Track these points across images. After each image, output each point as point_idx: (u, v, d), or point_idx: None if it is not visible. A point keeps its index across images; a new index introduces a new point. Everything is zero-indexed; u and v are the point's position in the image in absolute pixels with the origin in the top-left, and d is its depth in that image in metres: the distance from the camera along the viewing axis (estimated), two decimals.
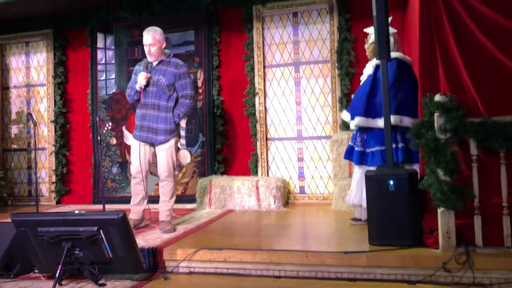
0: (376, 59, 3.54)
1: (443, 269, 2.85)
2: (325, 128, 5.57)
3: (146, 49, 4.12)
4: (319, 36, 5.61)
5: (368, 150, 3.83)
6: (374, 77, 3.78)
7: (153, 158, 4.26)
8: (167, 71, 4.12)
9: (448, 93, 3.04)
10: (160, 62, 4.14)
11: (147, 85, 4.07)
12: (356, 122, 3.80)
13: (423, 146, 3.01)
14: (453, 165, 2.90)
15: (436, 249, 3.02)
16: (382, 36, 3.38)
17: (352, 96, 4.02)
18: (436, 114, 2.99)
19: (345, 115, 4.14)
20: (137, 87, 4.07)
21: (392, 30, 3.77)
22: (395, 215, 3.20)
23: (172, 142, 4.15)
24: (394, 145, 3.60)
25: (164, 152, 4.13)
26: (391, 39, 3.77)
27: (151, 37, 4.07)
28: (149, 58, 4.14)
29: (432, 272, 2.88)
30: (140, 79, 4.04)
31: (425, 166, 3.07)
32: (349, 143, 4.04)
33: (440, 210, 2.97)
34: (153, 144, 4.17)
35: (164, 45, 4.17)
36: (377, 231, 3.27)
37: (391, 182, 3.23)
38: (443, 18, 3.15)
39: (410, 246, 3.14)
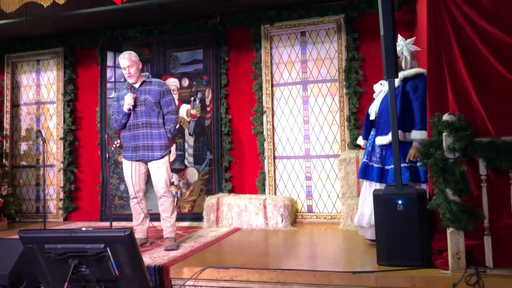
0: (384, 78, 3.55)
1: None
2: (333, 147, 5.56)
3: (125, 72, 4.18)
4: (327, 55, 5.64)
5: (388, 167, 3.73)
6: (402, 91, 3.70)
7: (146, 177, 4.29)
8: (151, 90, 4.19)
9: (457, 113, 3.03)
10: (142, 83, 4.22)
11: (134, 106, 4.12)
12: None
13: (432, 166, 2.99)
14: (463, 185, 2.88)
15: (446, 270, 2.98)
16: (390, 55, 3.39)
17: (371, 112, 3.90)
18: (444, 134, 2.98)
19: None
20: (125, 108, 4.11)
21: (415, 48, 3.80)
22: (404, 235, 3.17)
23: (166, 158, 4.22)
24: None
25: (160, 169, 4.17)
26: (415, 55, 3.80)
27: (127, 59, 4.16)
28: (130, 80, 4.20)
29: None
30: (128, 99, 4.09)
31: (434, 186, 3.05)
32: (363, 160, 3.94)
33: (449, 231, 2.93)
34: (146, 163, 4.20)
35: (140, 66, 4.25)
36: (386, 251, 3.23)
37: (400, 202, 3.21)
38: (451, 38, 3.16)
39: (419, 267, 3.10)
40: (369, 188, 3.91)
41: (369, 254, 3.57)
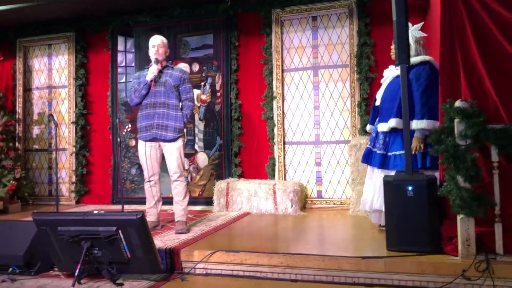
0: (395, 64, 3.52)
1: (462, 276, 2.82)
2: (344, 133, 5.55)
3: (154, 50, 4.25)
4: (339, 40, 5.59)
5: (390, 154, 3.75)
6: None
7: (162, 160, 4.34)
8: (173, 74, 4.28)
9: (469, 99, 3.01)
10: (165, 67, 4.32)
11: (154, 84, 4.17)
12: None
13: (443, 152, 2.98)
14: (474, 171, 2.87)
15: (455, 256, 2.98)
16: (402, 41, 3.36)
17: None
18: (456, 120, 2.96)
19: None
20: (149, 78, 4.15)
21: (421, 34, 3.76)
22: (413, 221, 3.17)
23: (180, 142, 4.27)
24: (425, 150, 3.57)
25: (174, 153, 4.22)
26: (421, 42, 3.75)
27: (160, 39, 4.30)
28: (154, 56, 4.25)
29: (450, 279, 2.85)
30: (153, 69, 4.16)
31: (445, 173, 3.04)
32: (367, 146, 3.98)
33: (459, 217, 2.93)
34: (160, 145, 4.24)
35: (168, 53, 4.38)
36: (395, 237, 3.24)
37: (410, 188, 3.21)
38: (465, 23, 3.12)
39: (428, 253, 3.10)
40: (371, 173, 3.94)
41: (378, 240, 3.58)
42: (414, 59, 3.64)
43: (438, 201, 3.20)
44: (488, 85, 3.00)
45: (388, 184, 3.32)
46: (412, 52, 3.69)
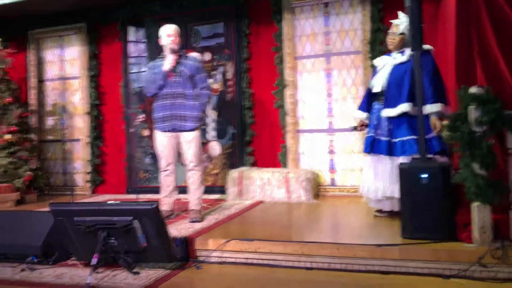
0: (411, 50, 3.49)
1: (478, 263, 2.81)
2: (356, 120, 5.50)
3: (169, 39, 4.18)
4: (351, 27, 5.53)
5: (396, 140, 3.77)
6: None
7: (179, 149, 4.34)
8: (187, 64, 4.23)
9: (485, 85, 2.97)
10: (179, 56, 4.25)
11: (171, 74, 4.14)
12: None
13: (458, 139, 2.95)
14: (489, 158, 2.84)
15: (470, 243, 2.97)
16: (416, 27, 3.32)
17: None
18: (471, 107, 2.92)
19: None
20: (166, 68, 4.12)
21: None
22: (428, 209, 3.16)
23: (198, 131, 4.27)
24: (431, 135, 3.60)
25: (192, 142, 4.22)
26: None
27: (174, 28, 4.25)
28: (172, 47, 4.20)
29: (466, 266, 2.84)
30: (170, 59, 4.12)
31: (460, 160, 3.02)
32: (369, 134, 3.97)
33: (475, 204, 2.91)
34: (178, 135, 4.23)
35: (180, 43, 4.31)
36: (410, 224, 3.24)
37: (424, 175, 3.19)
38: (480, 7, 3.07)
39: (443, 240, 3.09)
40: (374, 161, 3.93)
41: (393, 227, 3.57)
42: None
43: (452, 188, 3.17)
44: (505, 70, 2.96)
45: (403, 171, 3.30)
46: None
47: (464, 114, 2.97)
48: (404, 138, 3.72)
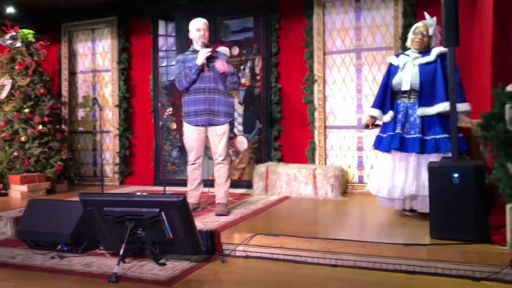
0: (444, 46, 3.42)
1: (510, 267, 2.72)
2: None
3: (199, 33, 4.21)
4: (383, 22, 5.44)
5: (427, 138, 3.75)
6: (442, 66, 3.78)
7: (206, 143, 4.36)
8: (217, 58, 4.21)
9: None
10: (212, 51, 4.23)
11: (205, 68, 4.14)
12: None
13: (493, 139, 2.86)
14: None
15: (503, 246, 2.88)
16: (451, 22, 3.24)
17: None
18: (507, 105, 2.83)
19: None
20: (199, 62, 4.11)
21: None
22: (459, 209, 3.09)
23: (228, 126, 4.29)
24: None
25: (221, 136, 4.23)
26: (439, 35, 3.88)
27: (204, 22, 4.26)
28: (203, 41, 4.20)
29: (498, 269, 2.76)
30: (203, 53, 4.10)
31: (494, 160, 2.93)
32: (397, 131, 3.88)
33: (509, 206, 2.82)
34: (207, 129, 4.25)
35: (209, 37, 4.32)
36: (439, 224, 3.17)
37: (456, 175, 3.11)
38: None
39: (474, 242, 3.02)
40: (393, 159, 3.87)
41: (421, 227, 3.50)
42: (443, 49, 3.68)
43: (486, 189, 3.09)
44: None
45: (433, 170, 3.23)
46: (437, 43, 3.89)
47: (499, 113, 2.88)
48: (437, 136, 3.72)
